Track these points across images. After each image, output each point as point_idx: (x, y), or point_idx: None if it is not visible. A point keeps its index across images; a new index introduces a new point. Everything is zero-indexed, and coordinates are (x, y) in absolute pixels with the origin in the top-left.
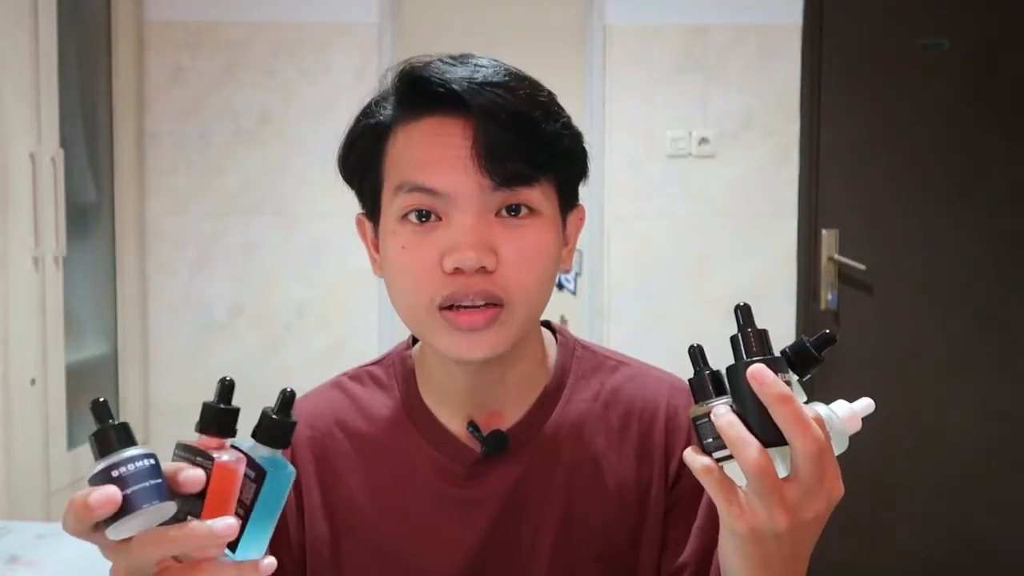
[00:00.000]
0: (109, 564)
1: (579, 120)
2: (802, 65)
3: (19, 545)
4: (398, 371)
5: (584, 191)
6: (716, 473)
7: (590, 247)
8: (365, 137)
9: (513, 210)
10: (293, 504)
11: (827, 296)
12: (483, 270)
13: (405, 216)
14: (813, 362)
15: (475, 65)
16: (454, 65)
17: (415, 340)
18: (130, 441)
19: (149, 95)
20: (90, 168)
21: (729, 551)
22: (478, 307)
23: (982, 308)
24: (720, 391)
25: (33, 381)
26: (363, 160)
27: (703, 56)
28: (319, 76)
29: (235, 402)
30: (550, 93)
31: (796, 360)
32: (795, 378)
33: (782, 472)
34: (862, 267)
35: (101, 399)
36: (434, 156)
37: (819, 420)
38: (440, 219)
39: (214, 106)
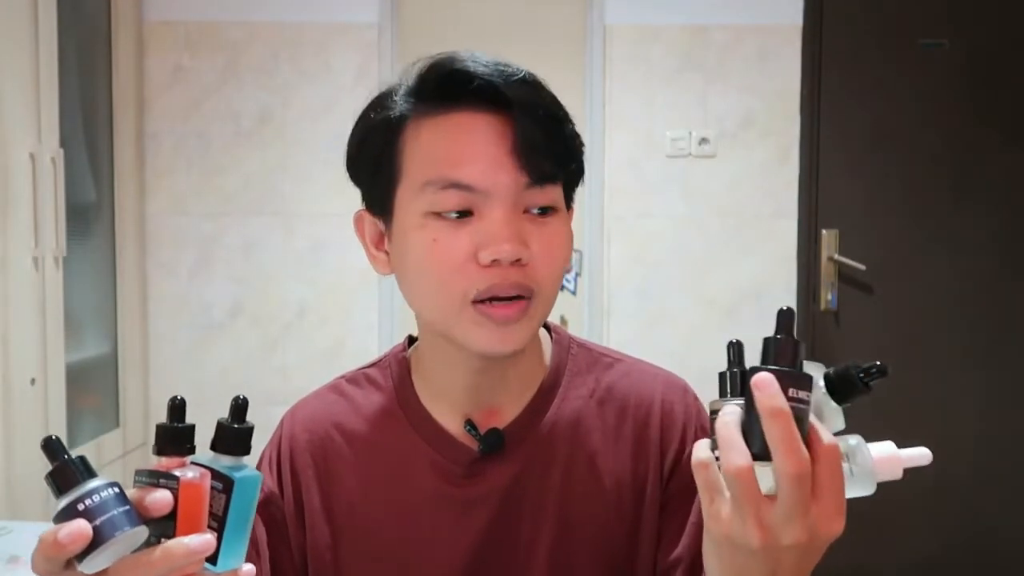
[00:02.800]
0: None
1: (579, 120)
2: (802, 65)
3: (19, 545)
4: (394, 372)
5: (584, 191)
6: (708, 471)
7: (590, 247)
8: (378, 131)
9: (542, 210)
10: (293, 509)
11: (827, 296)
12: (518, 262)
13: (437, 212)
14: (856, 391)
15: (505, 65)
16: (485, 63)
17: (411, 341)
18: (90, 473)
19: (149, 95)
20: (90, 168)
21: (707, 550)
22: (511, 299)
23: (982, 308)
24: (746, 390)
25: (33, 381)
26: (374, 155)
27: (703, 56)
28: (319, 76)
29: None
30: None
31: (837, 384)
32: (835, 405)
33: (765, 489)
34: (862, 267)
35: (53, 437)
36: (470, 153)
37: (832, 449)
38: (472, 213)
39: (214, 106)
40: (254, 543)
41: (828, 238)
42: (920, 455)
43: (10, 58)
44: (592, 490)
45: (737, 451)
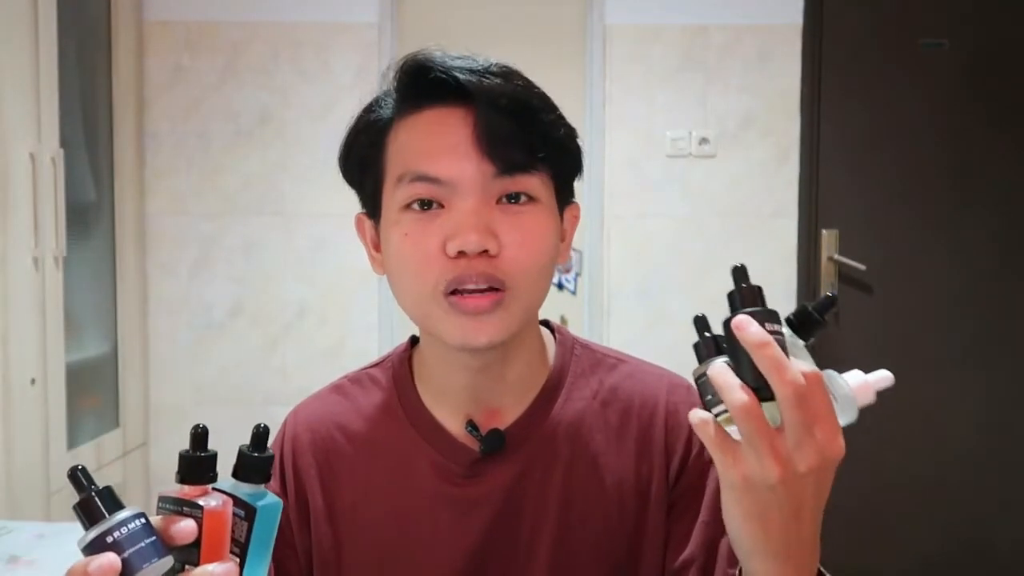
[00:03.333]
0: None
1: (579, 120)
2: (802, 65)
3: (19, 545)
4: (397, 372)
5: (584, 191)
6: (712, 425)
7: (590, 247)
8: (365, 134)
9: (513, 198)
10: (296, 509)
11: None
12: (486, 253)
13: (408, 206)
14: (816, 325)
15: (472, 59)
16: (453, 58)
17: (414, 342)
18: (117, 505)
19: (149, 95)
20: (90, 168)
21: (729, 505)
22: (482, 291)
23: (982, 308)
24: (721, 352)
25: (33, 381)
26: (364, 157)
27: (703, 56)
28: (319, 76)
29: (235, 403)
30: (542, 90)
31: (798, 323)
32: (801, 343)
33: (776, 422)
34: (862, 267)
35: (80, 467)
36: (436, 145)
37: (815, 376)
38: (442, 207)
39: (214, 106)
40: None
41: (828, 238)
42: (884, 377)
43: (10, 58)
44: (594, 491)
45: (737, 389)
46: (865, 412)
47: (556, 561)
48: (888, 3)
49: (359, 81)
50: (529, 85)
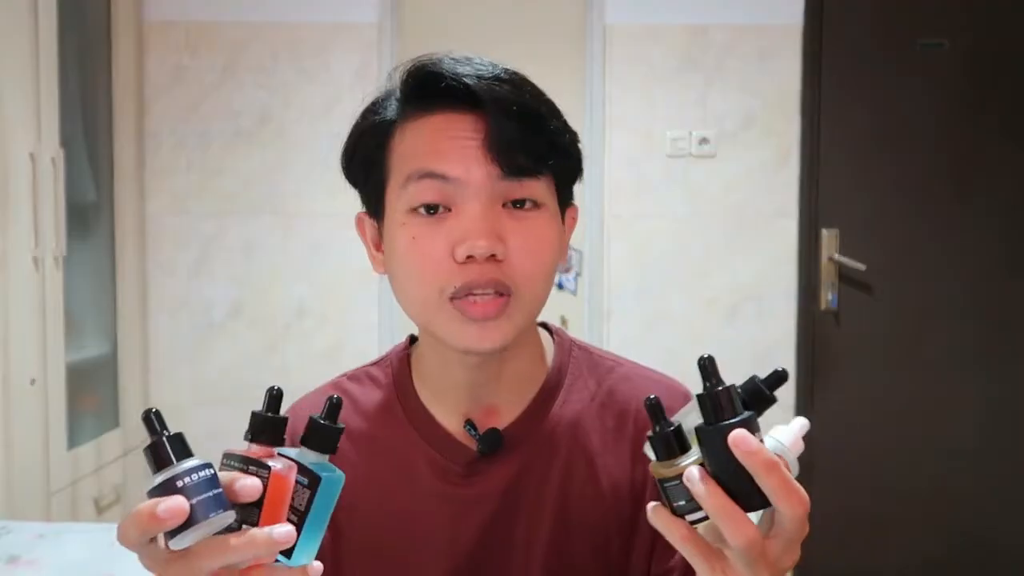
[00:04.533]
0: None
1: (579, 120)
2: (802, 65)
3: (19, 545)
4: (395, 370)
5: (584, 191)
6: (698, 541)
7: (590, 247)
8: (369, 134)
9: (519, 203)
10: None
11: (827, 296)
12: (493, 258)
13: (415, 208)
14: (766, 402)
15: (480, 64)
16: (461, 63)
17: (412, 340)
18: (187, 452)
19: (149, 95)
20: (90, 168)
21: None
22: (489, 295)
23: (982, 308)
24: (683, 446)
25: (33, 381)
26: (367, 157)
27: (703, 56)
28: (319, 76)
29: (231, 401)
30: (547, 95)
31: (750, 401)
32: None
33: (761, 529)
34: (862, 267)
35: (154, 410)
36: (445, 147)
37: (786, 468)
38: (449, 210)
39: (214, 106)
40: None
41: (828, 238)
42: (804, 424)
43: (10, 58)
44: (590, 492)
45: (746, 523)
46: (865, 412)
47: (552, 560)
48: (888, 3)
49: (359, 81)
50: (538, 93)
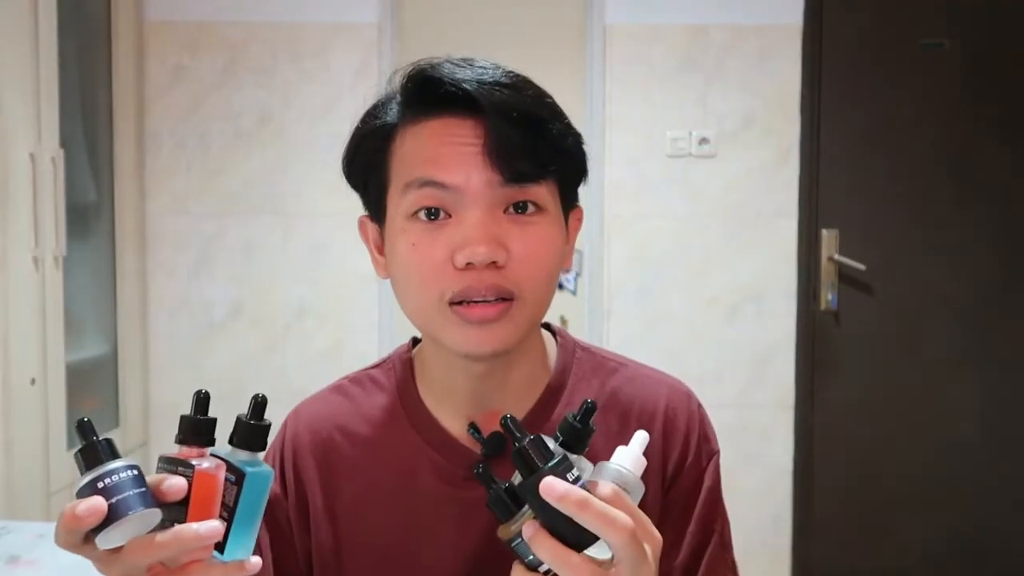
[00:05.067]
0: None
1: (579, 120)
2: (802, 65)
3: (19, 545)
4: (398, 373)
5: (584, 191)
6: None
7: (590, 247)
8: (370, 138)
9: (521, 207)
10: (297, 510)
11: (827, 296)
12: (494, 265)
13: (415, 214)
14: (586, 435)
15: (481, 68)
16: (462, 67)
17: (415, 342)
18: (114, 455)
19: (149, 95)
20: (90, 168)
21: None
22: (489, 301)
23: (982, 308)
24: (519, 503)
25: (33, 381)
26: (368, 161)
27: (703, 56)
28: (319, 76)
29: (231, 402)
30: (552, 96)
31: (571, 441)
32: (579, 456)
33: (607, 553)
34: (862, 267)
35: (85, 419)
36: (445, 153)
37: (617, 494)
38: (450, 216)
39: (214, 106)
40: (257, 546)
41: (828, 238)
42: (643, 438)
43: (10, 58)
44: None
45: (574, 564)
46: (865, 412)
47: None
48: (888, 3)
49: (359, 81)
50: (540, 95)
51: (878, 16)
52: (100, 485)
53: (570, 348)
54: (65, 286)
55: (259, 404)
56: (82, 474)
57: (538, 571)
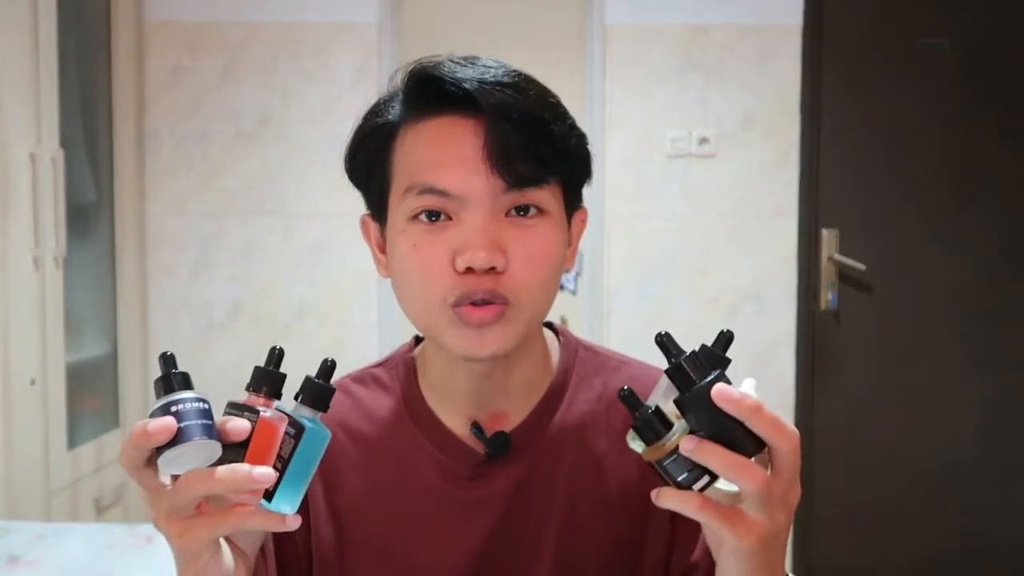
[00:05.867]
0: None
1: (579, 120)
2: (802, 65)
3: (19, 545)
4: (401, 372)
5: (584, 191)
6: (715, 505)
7: (590, 247)
8: (372, 137)
9: (522, 210)
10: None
11: (827, 296)
12: (493, 270)
13: (415, 216)
14: (723, 363)
15: (484, 66)
16: (464, 66)
17: (418, 341)
18: (189, 387)
19: (149, 95)
20: (90, 168)
21: (733, 567)
22: (486, 304)
23: (982, 308)
24: (667, 424)
25: (33, 381)
26: (370, 160)
27: (703, 56)
28: (319, 76)
29: (231, 400)
30: (556, 95)
31: (708, 365)
32: None
33: (733, 487)
34: (862, 267)
35: (168, 352)
36: (445, 157)
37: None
38: (451, 218)
39: (214, 106)
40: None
41: (828, 238)
42: (754, 383)
43: (10, 58)
44: (598, 494)
45: (755, 467)
46: (865, 412)
47: (560, 564)
48: (888, 3)
49: (359, 81)
50: (542, 94)
51: (878, 16)
52: (173, 409)
53: (572, 347)
54: (65, 286)
55: (328, 367)
56: (158, 399)
57: (691, 489)
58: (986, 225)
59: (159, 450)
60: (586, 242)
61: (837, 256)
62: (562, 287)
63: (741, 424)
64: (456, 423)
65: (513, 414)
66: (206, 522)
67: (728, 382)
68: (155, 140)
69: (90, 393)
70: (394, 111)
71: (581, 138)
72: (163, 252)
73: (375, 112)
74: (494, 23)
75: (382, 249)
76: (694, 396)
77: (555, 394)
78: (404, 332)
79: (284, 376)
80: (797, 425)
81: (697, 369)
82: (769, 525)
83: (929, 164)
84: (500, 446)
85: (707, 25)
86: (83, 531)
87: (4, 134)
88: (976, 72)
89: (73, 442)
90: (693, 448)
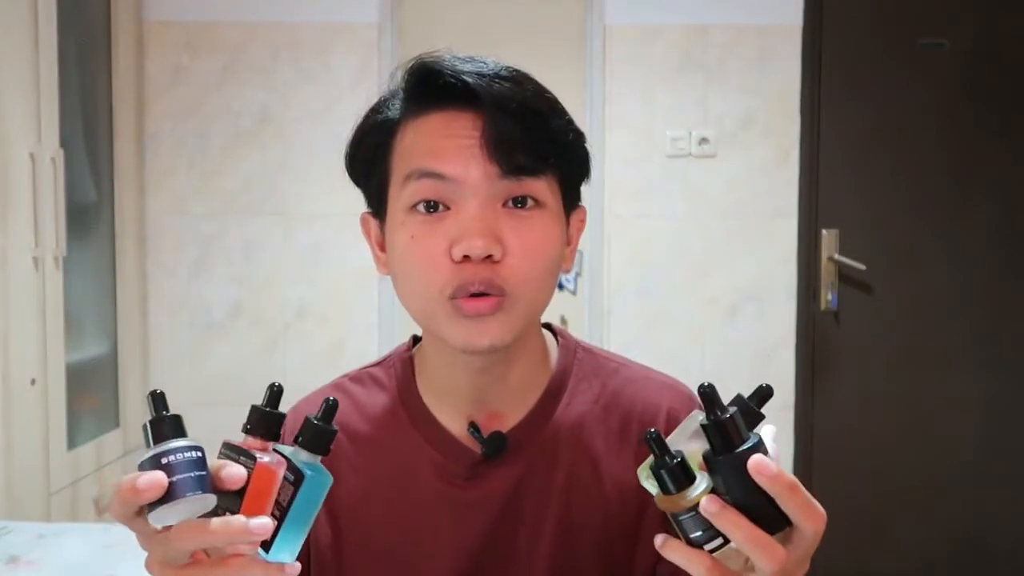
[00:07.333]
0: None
1: (579, 120)
2: (802, 65)
3: (19, 545)
4: (398, 372)
5: (584, 191)
6: (723, 570)
7: (590, 247)
8: (373, 134)
9: (519, 201)
10: None
11: (827, 296)
12: (489, 259)
13: (414, 207)
14: (756, 419)
15: (482, 62)
16: (463, 61)
17: (416, 341)
18: (181, 433)
19: (149, 95)
20: (90, 168)
21: None
22: (483, 295)
23: (982, 308)
24: (689, 476)
25: (33, 381)
26: (370, 157)
27: (703, 56)
28: (319, 76)
29: (231, 402)
30: (553, 93)
31: (745, 421)
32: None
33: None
34: (862, 267)
35: (158, 391)
36: (443, 145)
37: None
38: (448, 209)
39: (214, 106)
40: None
41: (828, 238)
42: (774, 432)
43: (10, 58)
44: (594, 495)
45: (778, 548)
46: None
47: (555, 564)
48: (888, 3)
49: (359, 81)
50: (539, 90)
51: (878, 16)
52: (164, 461)
53: (571, 348)
54: (65, 286)
55: (330, 408)
56: (148, 446)
57: (704, 547)
58: (986, 225)
59: (150, 505)
60: (586, 242)
61: (837, 256)
62: (562, 287)
63: (771, 499)
64: (453, 423)
65: (510, 414)
66: (201, 572)
67: (764, 449)
68: (155, 140)
69: (90, 393)
70: (395, 108)
71: (578, 134)
72: (163, 252)
73: (376, 109)
74: (494, 23)
75: (382, 247)
76: (729, 462)
77: (553, 395)
78: (404, 332)
79: (283, 416)
80: (797, 425)
81: (736, 432)
82: None
83: (929, 164)
84: (497, 446)
85: (707, 25)
86: (83, 531)
87: (4, 134)
88: (976, 72)
89: (73, 442)
90: (716, 512)
